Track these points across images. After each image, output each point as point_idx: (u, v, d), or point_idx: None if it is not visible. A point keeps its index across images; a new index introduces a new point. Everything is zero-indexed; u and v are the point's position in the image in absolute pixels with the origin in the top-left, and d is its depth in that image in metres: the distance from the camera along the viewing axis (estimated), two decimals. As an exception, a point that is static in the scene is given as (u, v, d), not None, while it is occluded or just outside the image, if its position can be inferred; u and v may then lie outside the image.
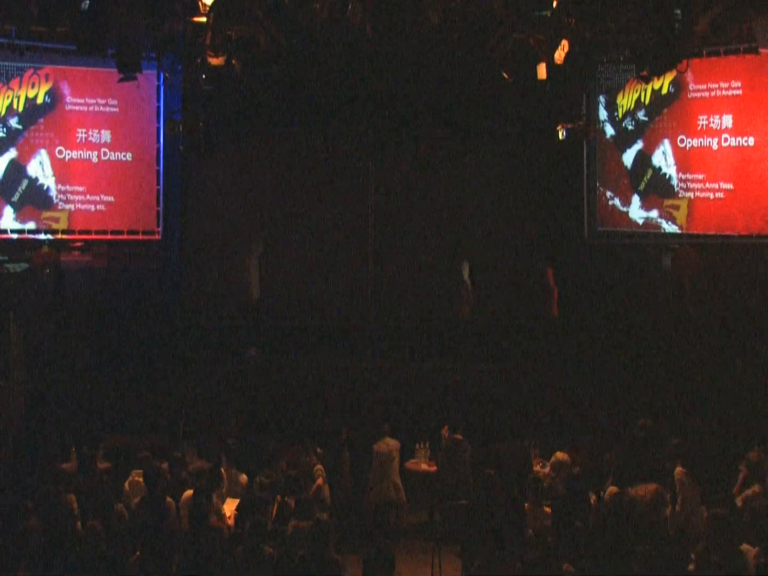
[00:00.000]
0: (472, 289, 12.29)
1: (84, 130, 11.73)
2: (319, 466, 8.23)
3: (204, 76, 10.12)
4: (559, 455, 8.32)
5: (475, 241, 12.86)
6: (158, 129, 12.00)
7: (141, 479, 7.49)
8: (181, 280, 12.73)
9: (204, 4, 8.37)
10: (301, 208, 13.00)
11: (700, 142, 10.72)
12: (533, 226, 12.94)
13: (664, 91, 11.05)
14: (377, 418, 9.61)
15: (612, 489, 7.11)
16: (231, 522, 7.14)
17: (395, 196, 13.06)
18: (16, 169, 11.43)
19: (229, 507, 7.44)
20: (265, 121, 12.55)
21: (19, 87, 11.35)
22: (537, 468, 8.53)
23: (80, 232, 11.83)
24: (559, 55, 9.02)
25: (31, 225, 11.56)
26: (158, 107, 12.01)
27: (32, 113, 11.47)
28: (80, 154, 11.75)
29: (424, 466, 9.21)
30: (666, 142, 11.11)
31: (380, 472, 8.79)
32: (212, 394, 10.74)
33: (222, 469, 7.80)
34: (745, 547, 6.05)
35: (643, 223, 11.52)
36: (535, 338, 12.06)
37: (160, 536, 6.47)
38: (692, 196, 10.89)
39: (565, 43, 8.92)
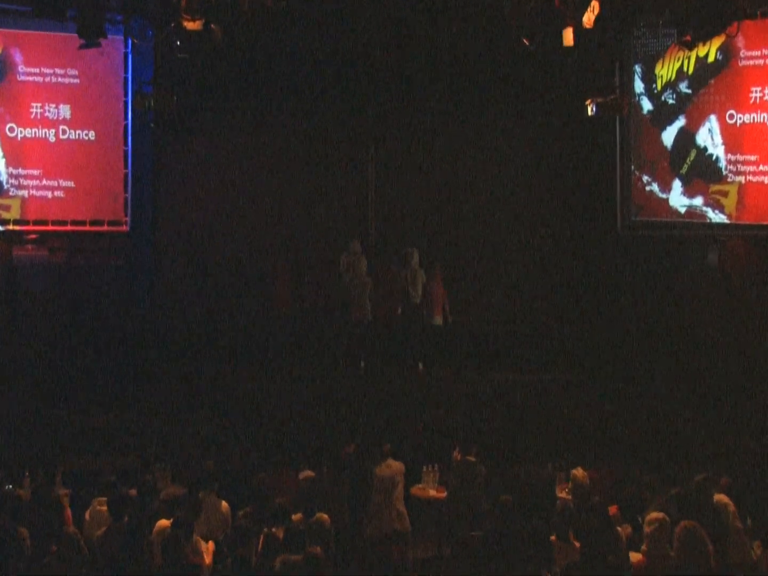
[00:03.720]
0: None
1: (39, 105, 11.73)
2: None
3: (178, 43, 10.10)
4: (577, 473, 8.29)
5: (491, 234, 12.84)
6: (125, 103, 12.03)
7: (104, 508, 7.45)
8: (152, 278, 12.71)
9: (178, -41, 8.37)
10: (291, 194, 12.97)
11: (753, 118, 10.71)
12: (558, 217, 12.92)
13: (711, 58, 11.04)
14: (378, 437, 9.58)
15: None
16: (209, 558, 7.10)
17: (398, 180, 13.03)
18: (-39, 150, 11.47)
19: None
20: (248, 95, 12.51)
21: (-35, 55, 11.38)
22: (562, 495, 8.50)
23: (35, 223, 11.82)
24: (588, 19, 9.00)
25: (-22, 214, 11.57)
26: (125, 78, 12.03)
27: (-21, 85, 11.49)
28: (35, 132, 11.75)
29: (432, 492, 9.19)
30: (713, 118, 11.09)
31: (382, 499, 8.75)
32: (188, 410, 10.71)
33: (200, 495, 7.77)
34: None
35: (686, 212, 11.53)
36: (558, 344, 12.04)
37: (128, 573, 6.43)
38: (743, 181, 10.87)
39: (595, 4, 8.90)
